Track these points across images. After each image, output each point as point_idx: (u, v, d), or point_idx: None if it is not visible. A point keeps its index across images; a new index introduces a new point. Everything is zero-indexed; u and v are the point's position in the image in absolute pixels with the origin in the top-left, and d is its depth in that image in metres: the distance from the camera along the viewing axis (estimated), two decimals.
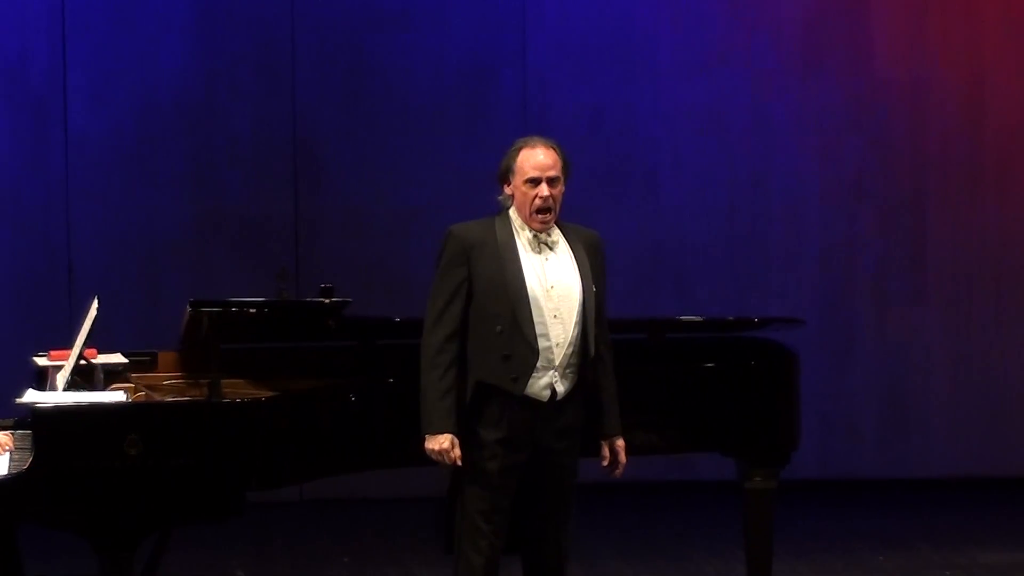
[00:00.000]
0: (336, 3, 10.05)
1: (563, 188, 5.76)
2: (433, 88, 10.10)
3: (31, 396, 5.88)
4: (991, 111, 10.45)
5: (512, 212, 5.77)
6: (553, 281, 5.70)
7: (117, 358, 6.45)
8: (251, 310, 6.26)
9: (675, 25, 10.25)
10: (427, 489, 6.61)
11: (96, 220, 9.84)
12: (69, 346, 6.25)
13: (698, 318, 7.32)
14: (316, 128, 10.03)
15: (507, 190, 5.78)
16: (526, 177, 5.71)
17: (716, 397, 6.70)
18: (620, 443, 5.87)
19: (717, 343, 7.01)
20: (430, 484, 6.06)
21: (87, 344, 6.19)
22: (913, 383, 10.47)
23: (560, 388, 5.69)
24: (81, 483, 5.60)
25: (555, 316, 5.68)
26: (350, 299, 6.27)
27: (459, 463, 5.63)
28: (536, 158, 5.73)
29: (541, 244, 5.73)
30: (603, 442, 5.86)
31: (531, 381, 5.65)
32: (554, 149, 5.76)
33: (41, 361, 6.49)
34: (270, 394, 6.14)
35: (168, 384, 6.47)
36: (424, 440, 5.65)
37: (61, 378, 6.07)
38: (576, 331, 5.70)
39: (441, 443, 5.62)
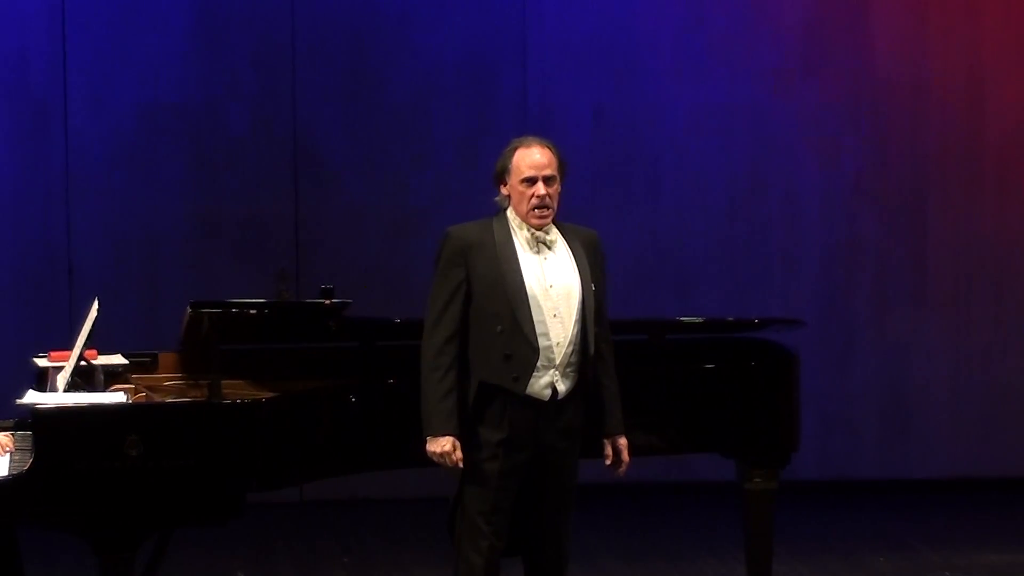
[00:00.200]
0: (336, 3, 10.04)
1: (559, 187, 5.77)
2: (433, 88, 10.10)
3: (31, 397, 5.88)
4: (991, 111, 10.45)
5: (509, 212, 5.77)
6: (552, 280, 5.70)
7: (117, 359, 6.45)
8: (251, 311, 6.25)
9: (675, 25, 10.24)
10: (427, 490, 6.61)
11: (96, 220, 9.84)
12: (69, 347, 6.25)
13: (698, 319, 7.33)
14: (316, 128, 10.03)
15: (503, 191, 5.78)
16: (522, 176, 5.71)
17: (716, 398, 6.70)
18: (623, 441, 5.87)
19: (717, 344, 7.02)
20: (430, 485, 6.06)
21: (87, 345, 6.19)
22: (913, 383, 10.47)
23: (561, 387, 5.69)
24: (81, 484, 5.60)
25: (555, 315, 5.68)
26: (350, 300, 6.27)
27: (461, 465, 5.63)
28: (532, 157, 5.73)
29: (539, 244, 5.73)
30: (605, 440, 5.87)
31: (532, 380, 5.66)
32: (549, 148, 5.77)
33: (41, 362, 6.49)
34: (270, 395, 6.14)
35: (168, 385, 6.48)
36: (425, 442, 5.66)
37: (61, 379, 6.07)
38: (576, 330, 5.70)
39: (443, 446, 5.62)
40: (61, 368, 6.15)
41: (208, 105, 9.96)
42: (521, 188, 5.72)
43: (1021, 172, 10.50)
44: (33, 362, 6.56)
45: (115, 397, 5.97)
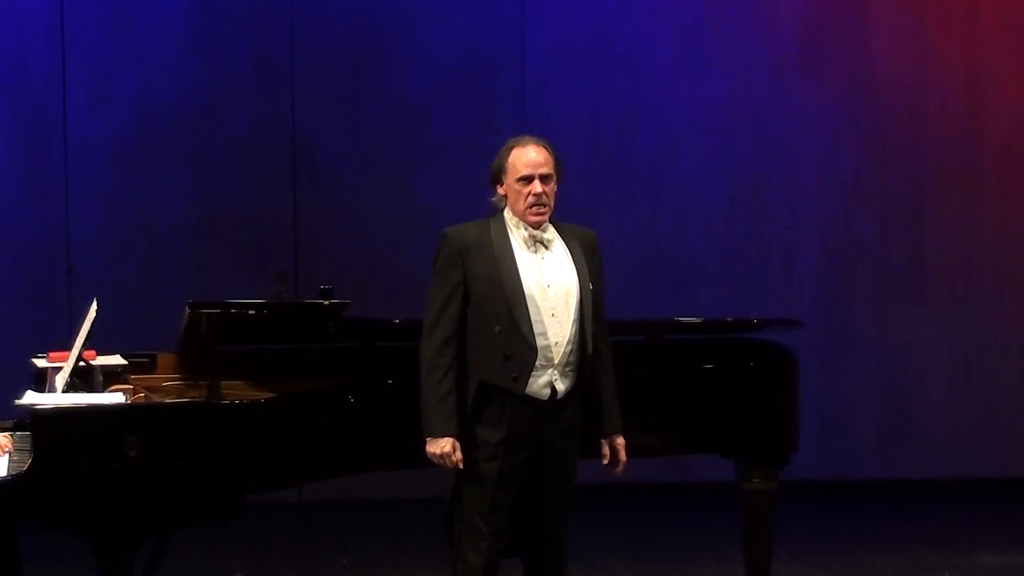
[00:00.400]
0: (336, 3, 10.05)
1: (556, 187, 5.76)
2: (433, 88, 10.10)
3: (30, 398, 5.88)
4: (990, 111, 10.46)
5: (506, 212, 5.77)
6: (550, 280, 5.70)
7: (116, 360, 6.45)
8: (250, 311, 6.25)
9: (675, 25, 10.25)
10: (427, 490, 6.60)
11: (96, 221, 9.84)
12: (68, 348, 6.24)
13: (697, 319, 7.33)
14: (316, 128, 10.03)
15: (500, 191, 5.78)
16: (519, 175, 5.71)
17: (715, 398, 6.70)
18: (620, 441, 5.87)
19: (716, 344, 7.02)
20: (430, 485, 6.05)
21: (86, 345, 6.19)
22: (912, 384, 10.47)
23: (560, 387, 5.69)
24: (80, 485, 5.60)
25: (553, 315, 5.68)
26: (349, 300, 6.27)
27: (460, 466, 5.63)
28: (528, 156, 5.73)
29: (536, 243, 5.73)
30: (603, 440, 5.86)
31: (531, 380, 5.65)
32: (545, 147, 5.76)
33: (40, 363, 6.48)
34: (269, 395, 6.14)
35: (167, 385, 6.48)
36: (425, 443, 5.65)
37: (60, 380, 6.07)
38: (574, 329, 5.70)
39: (443, 447, 5.62)
40: (60, 369, 6.15)
41: (208, 105, 9.96)
42: (518, 187, 5.71)
43: (1020, 172, 10.50)
44: (32, 363, 6.56)
45: (114, 398, 5.97)
